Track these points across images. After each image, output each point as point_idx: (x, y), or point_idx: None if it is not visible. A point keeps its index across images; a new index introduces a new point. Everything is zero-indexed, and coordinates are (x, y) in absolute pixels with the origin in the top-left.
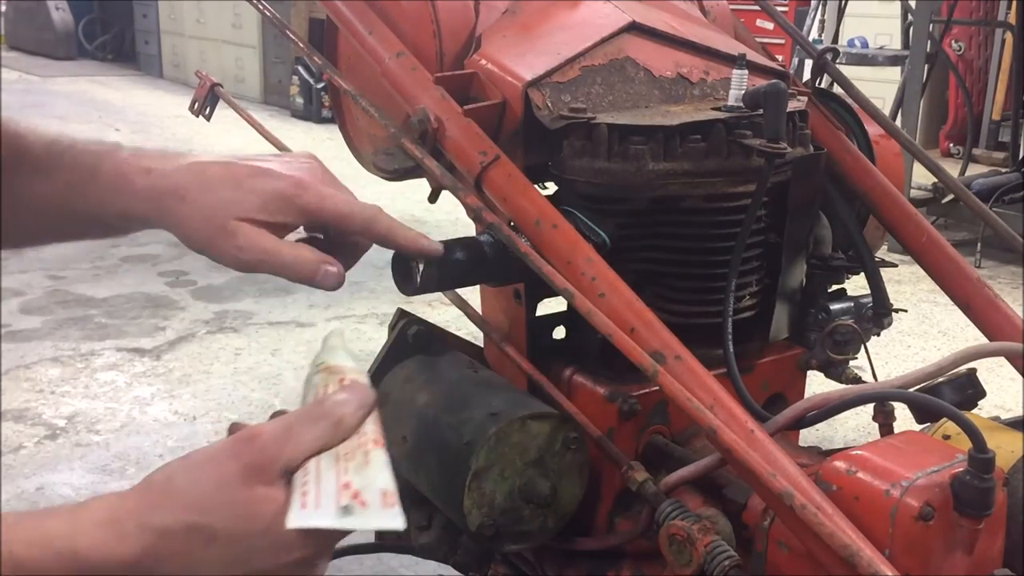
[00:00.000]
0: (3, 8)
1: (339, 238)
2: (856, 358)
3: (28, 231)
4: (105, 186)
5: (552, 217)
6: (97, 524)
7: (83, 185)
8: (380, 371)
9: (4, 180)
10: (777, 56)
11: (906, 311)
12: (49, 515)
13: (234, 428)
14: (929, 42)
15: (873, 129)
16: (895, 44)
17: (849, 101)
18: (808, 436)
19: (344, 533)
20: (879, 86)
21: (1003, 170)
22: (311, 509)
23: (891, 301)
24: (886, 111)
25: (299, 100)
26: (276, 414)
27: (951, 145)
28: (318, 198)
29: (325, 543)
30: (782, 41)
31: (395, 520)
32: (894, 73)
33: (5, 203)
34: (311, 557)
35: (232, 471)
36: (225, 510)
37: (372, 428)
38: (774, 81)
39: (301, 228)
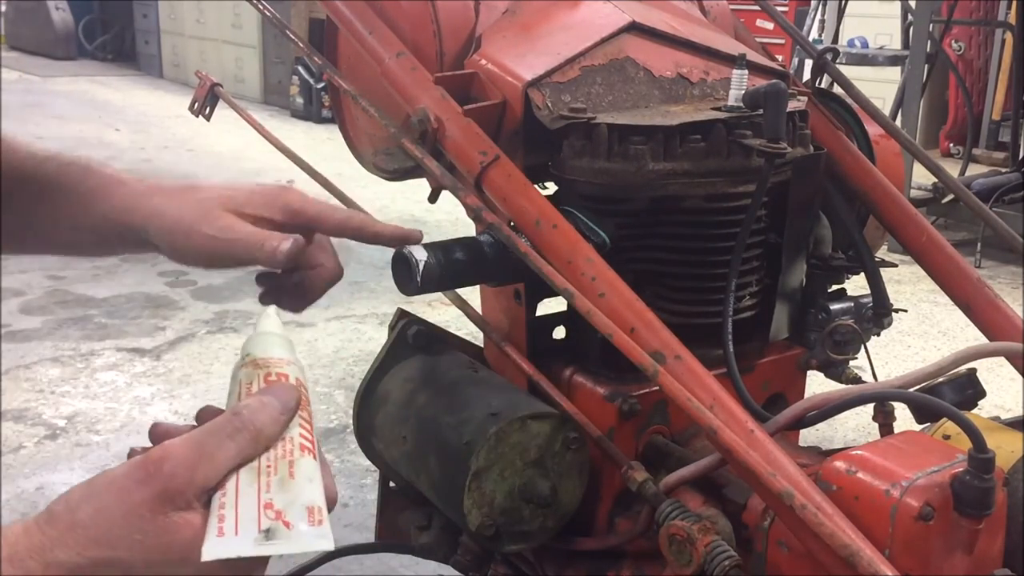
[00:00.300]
0: (3, 8)
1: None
2: (856, 358)
3: (9, 238)
4: (93, 190)
5: (552, 217)
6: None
7: (67, 193)
8: (380, 371)
9: None
10: (777, 56)
11: (906, 311)
12: None
13: (133, 454)
14: (929, 42)
15: (873, 129)
16: (895, 44)
17: (849, 101)
18: (808, 436)
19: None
20: (879, 86)
21: (1003, 170)
22: (229, 536)
23: (891, 301)
24: (886, 111)
25: (299, 100)
26: (203, 411)
27: (951, 145)
28: (301, 197)
29: (251, 567)
30: (782, 41)
31: (322, 541)
32: (894, 73)
33: None
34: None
35: (141, 499)
36: (137, 542)
37: (299, 432)
38: (774, 81)
39: None
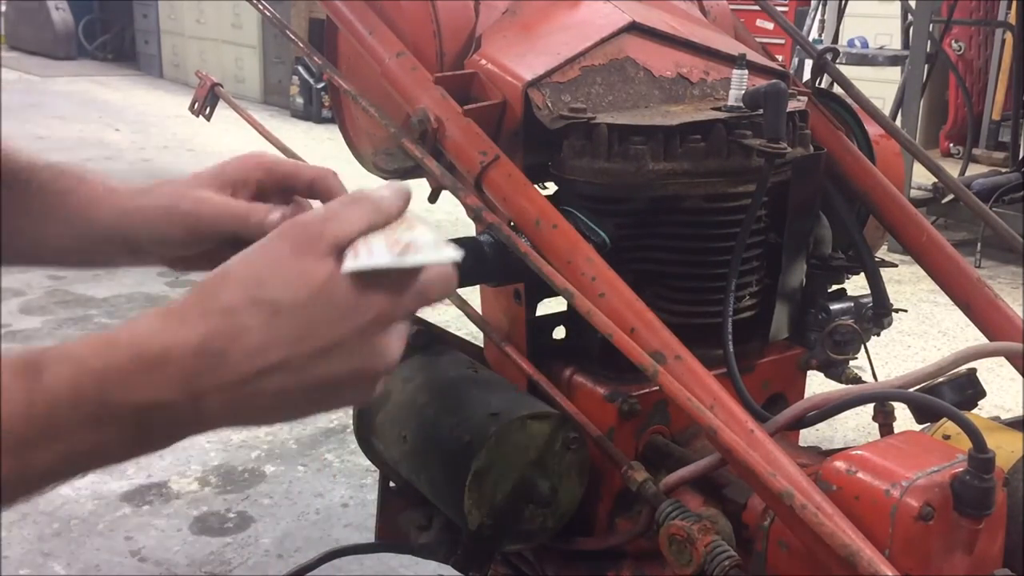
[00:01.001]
0: (3, 8)
1: None
2: (856, 358)
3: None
4: (86, 198)
5: (552, 217)
6: (157, 316)
7: (61, 199)
8: None
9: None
10: (777, 56)
11: (906, 311)
12: (107, 330)
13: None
14: (929, 42)
15: (873, 129)
16: (895, 44)
17: (849, 101)
18: (808, 436)
19: (413, 305)
20: (879, 86)
21: (1003, 170)
22: (364, 258)
23: (891, 301)
24: (886, 111)
25: (299, 100)
26: None
27: (951, 145)
28: (272, 158)
29: (389, 303)
30: (782, 41)
31: (452, 254)
32: (894, 73)
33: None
34: (381, 318)
35: (283, 248)
36: (283, 282)
37: (413, 215)
38: (774, 81)
39: None
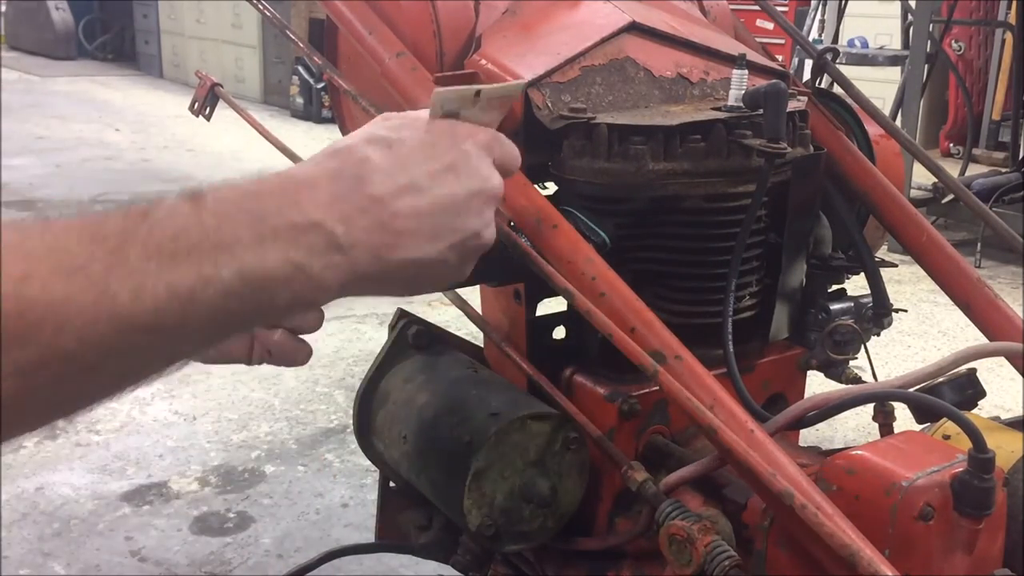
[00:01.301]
0: (3, 8)
1: None
2: (856, 358)
3: None
4: None
5: (552, 217)
6: (296, 165)
7: None
8: (380, 371)
9: None
10: (777, 56)
11: (906, 311)
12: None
13: None
14: (929, 42)
15: (873, 129)
16: (895, 44)
17: (849, 101)
18: (808, 436)
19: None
20: (879, 86)
21: (1003, 170)
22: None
23: (891, 301)
24: (886, 111)
25: (299, 100)
26: None
27: (951, 145)
28: None
29: (479, 131)
30: (782, 41)
31: (519, 82)
32: (894, 73)
33: None
34: (478, 143)
35: (377, 119)
36: (387, 127)
37: None
38: (774, 81)
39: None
